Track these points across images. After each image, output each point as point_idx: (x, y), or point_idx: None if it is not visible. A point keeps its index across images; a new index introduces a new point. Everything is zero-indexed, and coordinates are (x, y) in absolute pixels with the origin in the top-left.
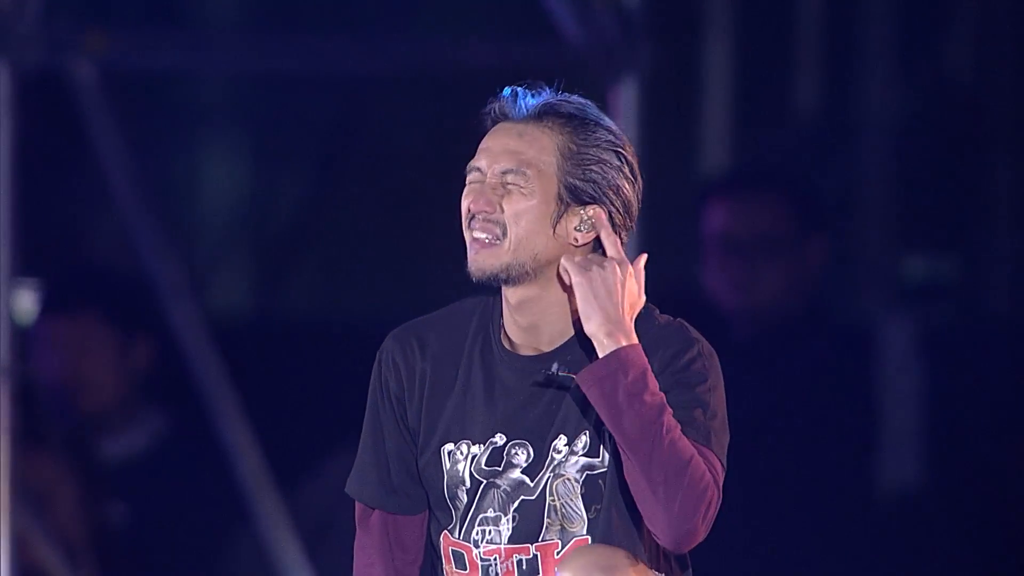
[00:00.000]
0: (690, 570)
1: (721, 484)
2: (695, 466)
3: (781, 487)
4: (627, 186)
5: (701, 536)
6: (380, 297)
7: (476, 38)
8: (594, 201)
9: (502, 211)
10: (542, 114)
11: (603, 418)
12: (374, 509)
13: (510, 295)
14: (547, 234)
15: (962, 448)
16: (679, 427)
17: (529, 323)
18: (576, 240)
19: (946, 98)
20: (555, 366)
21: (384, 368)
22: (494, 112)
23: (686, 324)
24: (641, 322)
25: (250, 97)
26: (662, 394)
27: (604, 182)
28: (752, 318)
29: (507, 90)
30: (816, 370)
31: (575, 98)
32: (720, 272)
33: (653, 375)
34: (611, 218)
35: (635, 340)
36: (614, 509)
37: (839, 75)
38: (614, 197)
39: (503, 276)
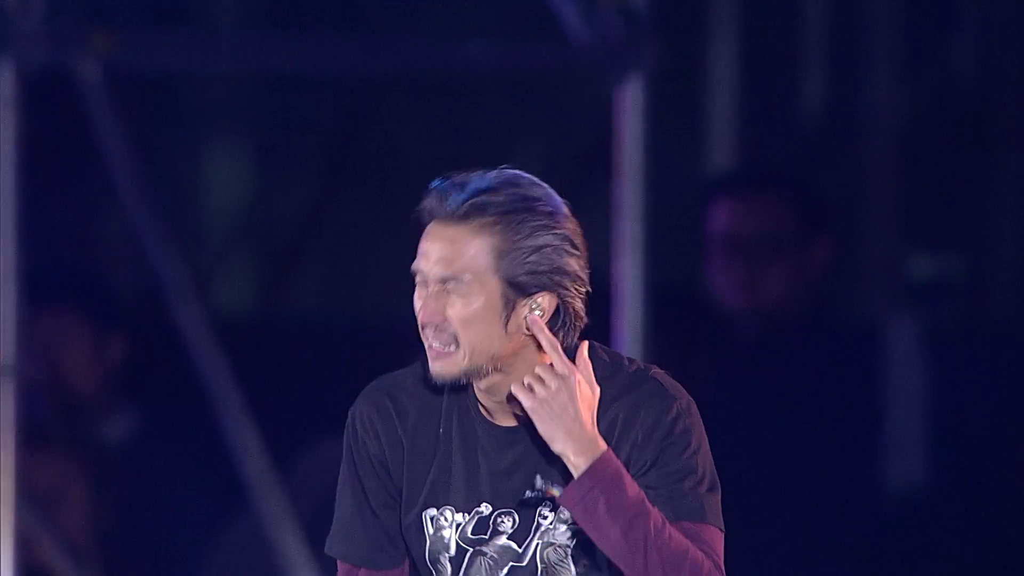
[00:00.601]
0: None
1: (722, 556)
2: (693, 560)
3: (786, 487)
4: (570, 261)
5: None
6: (384, 298)
7: (481, 38)
8: (540, 289)
9: (449, 320)
10: (468, 215)
11: (590, 535)
12: (360, 568)
13: (477, 382)
14: (499, 333)
15: (967, 447)
16: (667, 524)
17: (499, 401)
18: (528, 330)
19: (951, 97)
20: (539, 480)
21: (361, 430)
22: (426, 210)
23: (659, 376)
24: (615, 375)
25: (255, 98)
26: (642, 493)
27: (546, 268)
28: (756, 317)
29: (436, 183)
30: (821, 369)
31: (503, 181)
32: (724, 271)
33: (629, 476)
34: (561, 298)
35: (603, 446)
36: (605, 564)
37: (844, 75)
38: (559, 278)
39: (464, 380)
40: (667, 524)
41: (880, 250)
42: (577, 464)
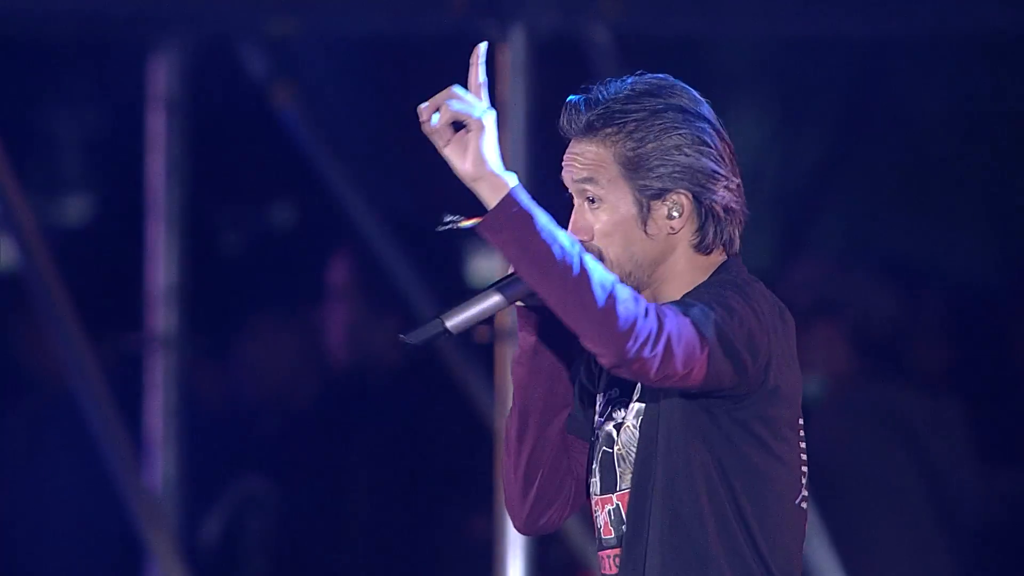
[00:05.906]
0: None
1: (676, 327)
2: (621, 287)
3: None
4: (701, 159)
5: (650, 359)
6: (911, 255)
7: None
8: (670, 190)
9: (592, 235)
10: (593, 128)
11: (514, 262)
12: None
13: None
14: (640, 238)
15: None
16: (592, 260)
17: None
18: (673, 228)
19: None
20: (448, 217)
21: None
22: (561, 127)
23: (745, 285)
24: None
25: (771, 59)
26: (564, 233)
27: (672, 168)
28: None
29: (569, 98)
30: None
31: (631, 89)
32: None
33: (543, 214)
34: (696, 196)
35: (512, 183)
36: (665, 445)
37: None
38: (690, 176)
39: None
40: (592, 260)
41: None
42: (490, 200)
